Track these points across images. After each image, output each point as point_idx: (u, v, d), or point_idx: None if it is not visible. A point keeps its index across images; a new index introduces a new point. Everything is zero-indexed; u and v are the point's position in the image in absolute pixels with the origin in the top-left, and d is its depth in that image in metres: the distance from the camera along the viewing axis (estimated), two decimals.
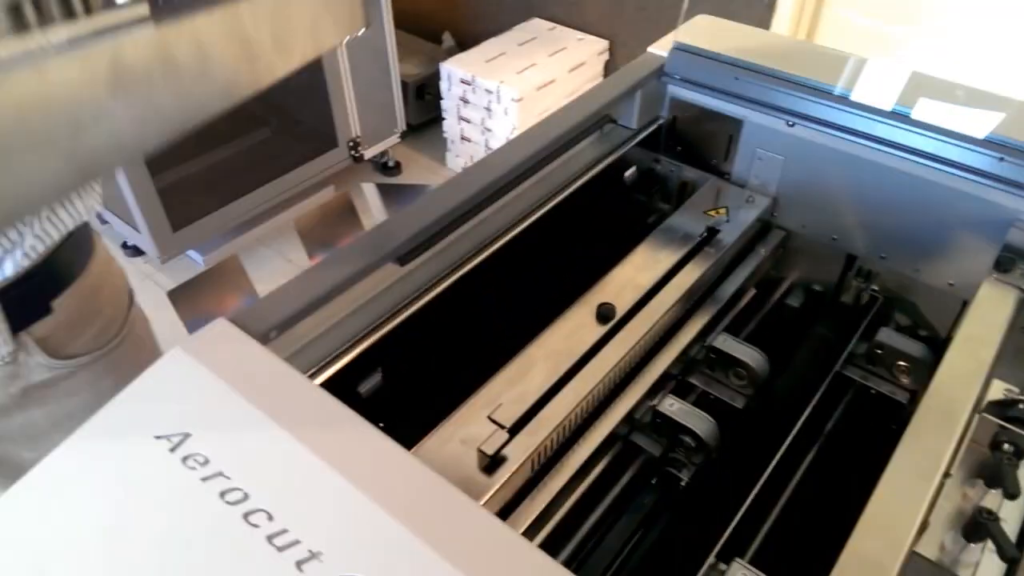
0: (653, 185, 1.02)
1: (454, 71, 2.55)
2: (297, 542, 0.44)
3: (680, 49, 0.95)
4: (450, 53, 2.76)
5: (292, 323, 0.62)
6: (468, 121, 2.60)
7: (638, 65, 0.96)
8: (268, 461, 0.49)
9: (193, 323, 0.76)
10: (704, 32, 1.00)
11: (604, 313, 0.77)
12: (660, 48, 0.97)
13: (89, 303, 0.69)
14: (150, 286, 2.13)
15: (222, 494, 0.47)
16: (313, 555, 0.44)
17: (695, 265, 0.85)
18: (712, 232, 0.88)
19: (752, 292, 0.94)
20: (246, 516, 0.46)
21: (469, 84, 2.51)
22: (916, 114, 0.82)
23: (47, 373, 0.65)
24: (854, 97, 0.86)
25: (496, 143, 2.54)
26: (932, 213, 0.83)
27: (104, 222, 2.12)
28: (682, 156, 1.01)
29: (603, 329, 0.76)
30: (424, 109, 2.81)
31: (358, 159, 2.48)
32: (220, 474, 0.48)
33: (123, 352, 0.72)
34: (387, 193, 1.42)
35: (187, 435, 0.50)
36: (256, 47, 0.42)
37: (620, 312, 0.78)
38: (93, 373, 0.69)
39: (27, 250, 0.60)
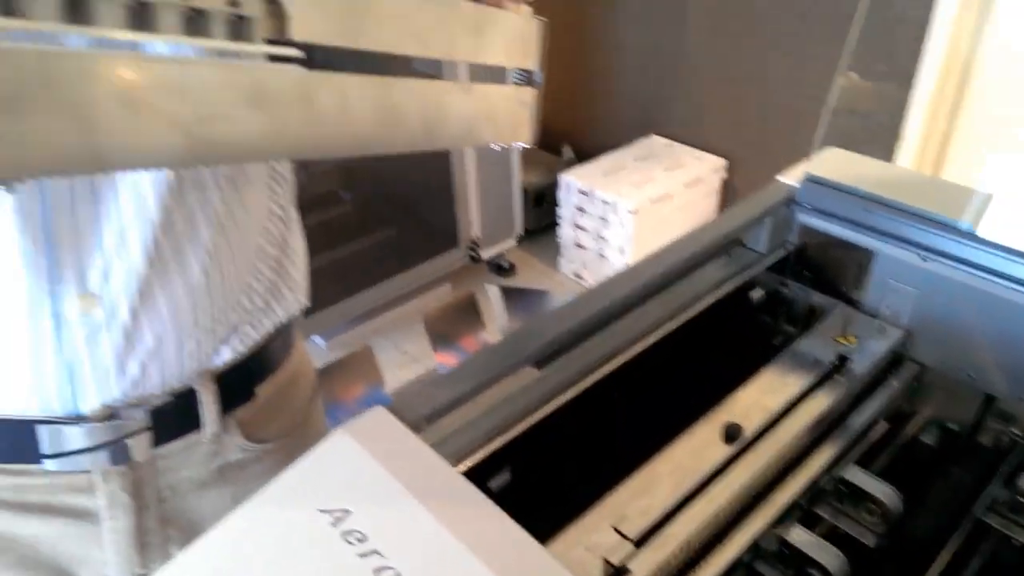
0: (779, 308, 1.03)
1: (573, 182, 2.67)
2: None
3: (811, 180, 0.98)
4: (569, 164, 2.89)
5: (439, 416, 0.67)
6: (583, 229, 2.69)
7: (768, 193, 1.00)
8: (418, 543, 0.52)
9: (354, 413, 0.83)
10: (834, 164, 1.03)
11: (731, 433, 0.78)
12: (790, 178, 1.01)
13: (284, 391, 0.77)
14: None
15: (376, 571, 0.50)
16: None
17: (824, 392, 0.85)
18: (842, 360, 0.88)
19: (884, 426, 0.91)
20: None
21: (587, 194, 2.62)
22: None
23: (241, 454, 0.71)
24: (986, 235, 0.86)
25: (610, 252, 2.60)
26: None
27: None
28: (810, 281, 1.02)
29: (729, 449, 0.77)
30: (541, 215, 2.94)
31: (476, 259, 2.60)
32: (375, 552, 0.52)
33: (304, 439, 0.77)
34: (508, 296, 1.50)
35: (348, 512, 0.54)
36: (402, 118, 0.46)
37: (746, 433, 0.78)
38: (277, 458, 0.74)
39: (243, 337, 0.68)
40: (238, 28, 0.34)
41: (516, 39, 0.54)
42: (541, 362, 0.77)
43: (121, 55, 0.29)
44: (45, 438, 0.60)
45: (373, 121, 0.44)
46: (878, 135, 2.25)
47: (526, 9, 0.54)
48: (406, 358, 2.36)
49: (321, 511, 0.55)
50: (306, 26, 0.37)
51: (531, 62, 0.57)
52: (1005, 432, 0.88)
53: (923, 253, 0.91)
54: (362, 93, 0.42)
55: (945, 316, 0.91)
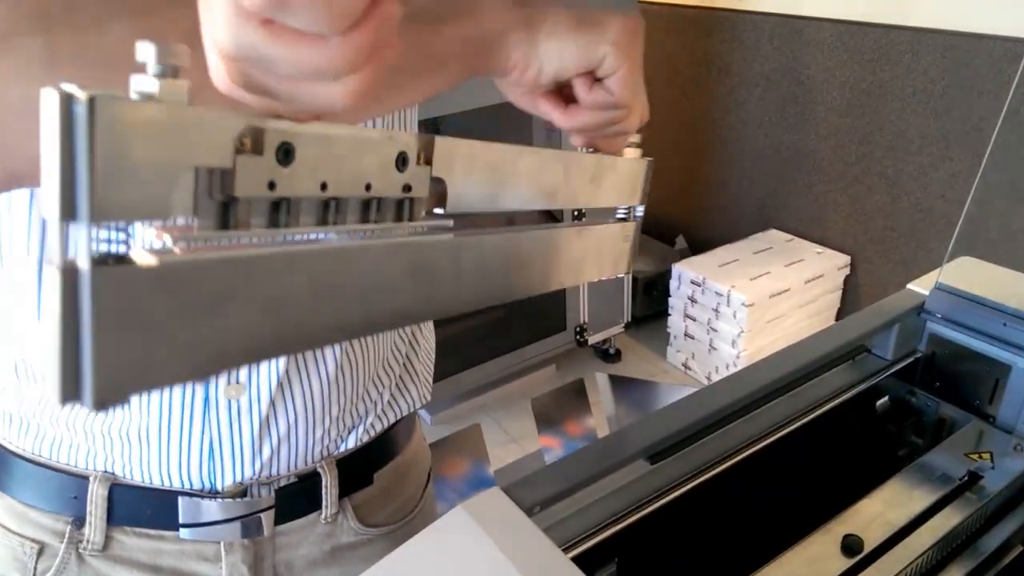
0: (906, 417, 0.99)
1: (685, 272, 2.67)
2: None
3: (943, 290, 0.96)
4: (682, 255, 2.90)
5: (553, 502, 0.69)
6: (694, 320, 2.67)
7: (897, 299, 0.98)
8: None
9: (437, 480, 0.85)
10: (967, 274, 1.00)
11: (850, 545, 0.75)
12: (921, 286, 0.99)
13: (400, 478, 0.81)
14: None
15: None
16: None
17: (953, 510, 0.80)
18: (974, 477, 0.83)
19: (1020, 550, 0.85)
20: None
21: (699, 285, 2.61)
22: None
23: (353, 537, 0.75)
24: None
25: (721, 344, 2.56)
26: None
27: None
28: (940, 392, 0.98)
29: (848, 562, 0.74)
30: (650, 304, 2.94)
31: (582, 344, 2.62)
32: None
33: (415, 526, 0.81)
34: (615, 384, 1.51)
35: None
36: (527, 267, 0.50)
37: (868, 547, 0.75)
38: (387, 543, 0.78)
39: (368, 427, 0.74)
40: (406, 207, 0.38)
41: (627, 180, 0.58)
42: (655, 456, 0.78)
43: (314, 249, 0.33)
44: (184, 509, 0.67)
45: (503, 273, 0.47)
46: (1016, 247, 2.14)
47: (637, 150, 0.58)
48: (507, 438, 2.38)
49: None
50: (459, 198, 0.41)
51: (638, 199, 0.60)
52: None
53: None
54: (495, 249, 0.46)
55: None
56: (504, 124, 1.64)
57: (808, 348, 0.90)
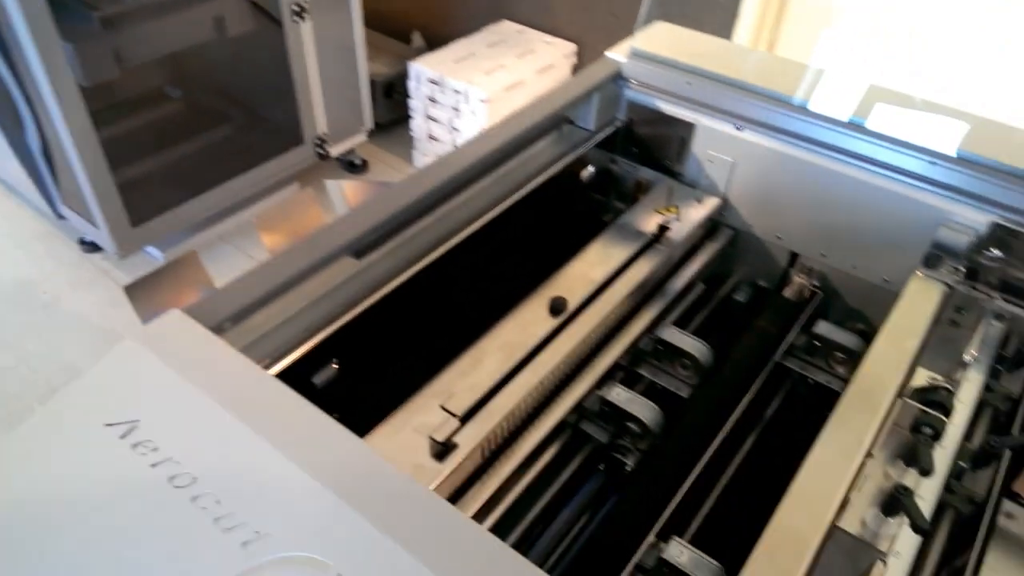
0: (609, 185, 1.05)
1: (423, 70, 2.56)
2: (244, 524, 0.46)
3: (637, 55, 0.98)
4: (419, 53, 2.76)
5: (246, 315, 0.63)
6: (436, 120, 2.62)
7: (596, 69, 0.99)
8: (217, 446, 0.50)
9: (150, 319, 0.76)
10: (661, 38, 1.03)
11: (556, 306, 0.80)
12: (618, 53, 1.00)
13: None
14: (107, 283, 2.11)
15: (171, 478, 0.48)
16: (259, 535, 0.45)
17: (646, 261, 0.88)
18: (663, 230, 0.91)
19: (700, 287, 0.97)
20: (194, 499, 0.47)
21: (438, 84, 2.53)
22: (854, 119, 0.85)
23: None
24: (797, 102, 0.90)
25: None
26: (869, 213, 0.87)
27: (61, 217, 2.09)
28: (638, 157, 1.04)
29: (555, 322, 0.79)
30: (392, 108, 2.81)
31: (324, 157, 2.47)
32: (170, 459, 0.49)
33: None
34: (352, 191, 1.43)
35: (136, 423, 0.51)
36: None
37: (572, 305, 0.80)
38: None
39: None
40: None
41: None
42: (361, 251, 0.74)
43: None
44: None
45: None
46: (718, 12, 2.29)
47: None
48: (254, 263, 2.26)
49: (108, 425, 0.51)
50: None
51: None
52: (806, 286, 0.96)
53: (738, 122, 0.94)
54: None
55: (757, 183, 0.95)
56: None
57: (512, 123, 0.88)
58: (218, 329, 0.60)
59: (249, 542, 0.45)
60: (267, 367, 0.65)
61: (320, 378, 0.72)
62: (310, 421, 0.53)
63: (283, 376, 0.66)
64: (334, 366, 0.73)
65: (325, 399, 0.70)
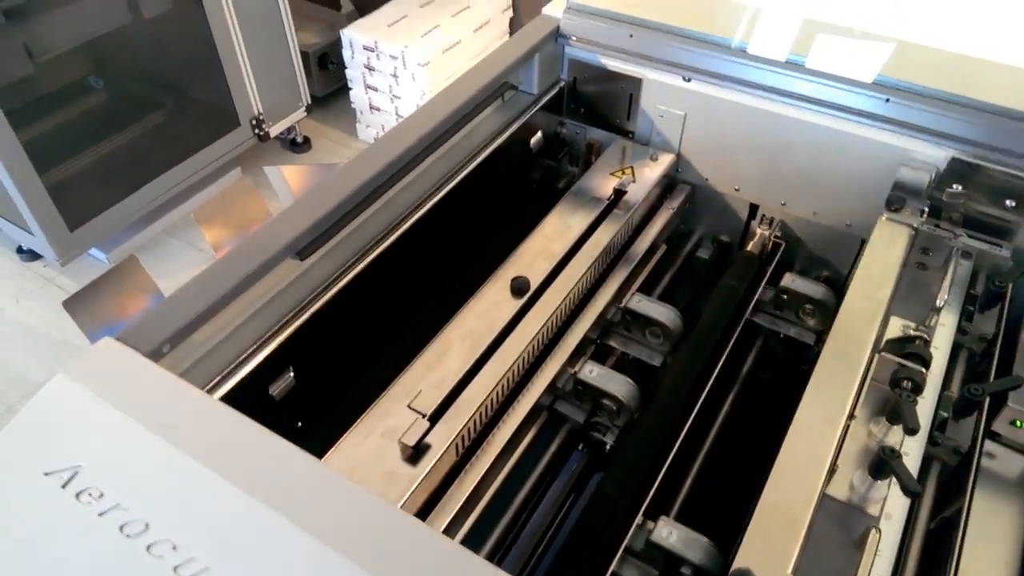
0: (560, 149, 1.01)
1: (356, 37, 2.46)
2: (205, 569, 0.43)
3: (574, 9, 0.93)
4: (351, 19, 2.65)
5: (186, 334, 0.59)
6: (375, 89, 2.53)
7: (533, 28, 0.94)
8: (166, 486, 0.47)
9: (96, 334, 0.71)
10: None
11: (518, 287, 0.76)
12: (555, 9, 0.95)
13: None
14: (53, 291, 2.01)
15: (121, 527, 0.44)
16: None
17: (605, 228, 0.85)
18: (619, 193, 0.88)
19: (663, 248, 0.95)
20: (149, 548, 0.43)
21: (373, 51, 2.43)
22: (806, 62, 0.83)
23: None
24: (747, 49, 0.86)
25: (406, 110, 2.48)
26: (825, 157, 0.85)
27: None
28: (586, 118, 1.00)
29: (519, 303, 0.76)
30: (329, 79, 2.71)
31: (263, 137, 2.37)
32: (117, 506, 0.45)
33: None
34: (294, 176, 1.37)
35: (78, 467, 0.47)
36: None
37: (535, 284, 0.77)
38: None
39: None
40: None
41: None
42: (304, 251, 0.69)
43: None
44: None
45: None
46: None
47: None
48: (203, 256, 2.17)
49: (47, 474, 0.47)
50: None
51: None
52: (769, 237, 0.94)
53: (686, 73, 0.90)
54: None
55: (710, 135, 0.93)
56: None
57: (453, 94, 0.83)
58: (156, 354, 0.56)
59: None
60: (216, 386, 0.61)
61: (277, 389, 0.68)
62: (260, 445, 0.49)
63: (237, 392, 0.62)
64: (290, 375, 0.69)
65: (285, 409, 0.67)
